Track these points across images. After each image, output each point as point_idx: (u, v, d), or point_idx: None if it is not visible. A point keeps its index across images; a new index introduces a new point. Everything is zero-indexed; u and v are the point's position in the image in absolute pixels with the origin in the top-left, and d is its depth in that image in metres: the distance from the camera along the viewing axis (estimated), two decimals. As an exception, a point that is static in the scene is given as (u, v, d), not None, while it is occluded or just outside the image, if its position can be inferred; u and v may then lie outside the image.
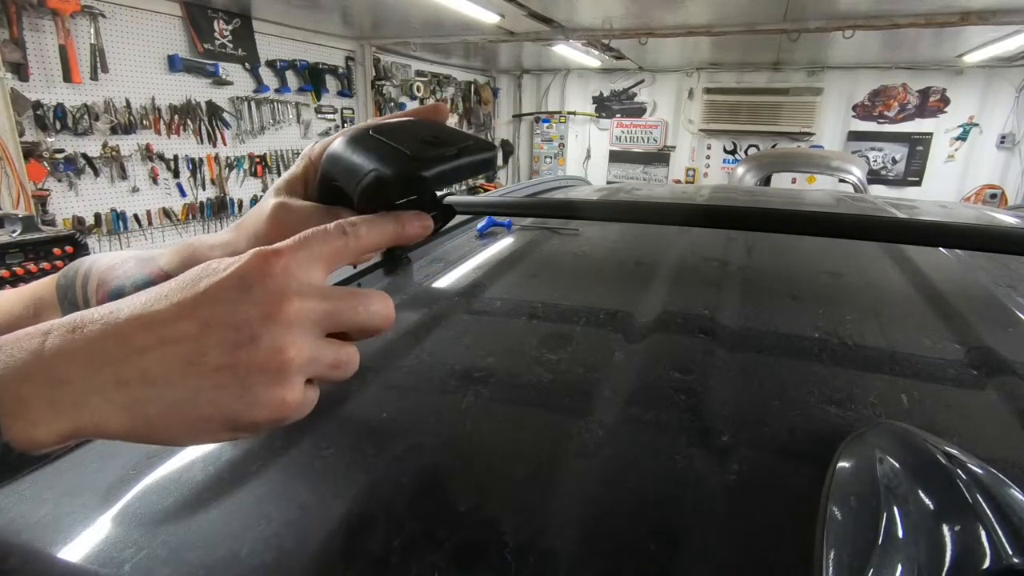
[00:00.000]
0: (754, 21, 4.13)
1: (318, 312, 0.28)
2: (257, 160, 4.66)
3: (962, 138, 6.26)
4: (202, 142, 4.23)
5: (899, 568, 0.29)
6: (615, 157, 7.67)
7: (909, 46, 5.12)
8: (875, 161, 6.50)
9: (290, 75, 4.90)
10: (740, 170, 4.15)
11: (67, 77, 3.32)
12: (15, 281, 2.60)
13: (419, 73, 6.59)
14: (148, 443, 0.27)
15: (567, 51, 5.60)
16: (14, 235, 2.65)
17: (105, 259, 0.45)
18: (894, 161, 6.52)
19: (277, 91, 4.77)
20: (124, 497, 0.45)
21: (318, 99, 5.18)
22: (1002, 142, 6.11)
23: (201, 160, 4.23)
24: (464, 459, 0.50)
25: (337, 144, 0.35)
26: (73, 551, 0.40)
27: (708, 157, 7.22)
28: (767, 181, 4.17)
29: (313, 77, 5.10)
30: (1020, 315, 0.81)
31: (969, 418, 0.57)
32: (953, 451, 0.36)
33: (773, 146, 6.62)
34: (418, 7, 3.98)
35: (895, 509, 0.32)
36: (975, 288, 0.95)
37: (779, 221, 0.64)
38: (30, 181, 3.13)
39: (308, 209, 0.37)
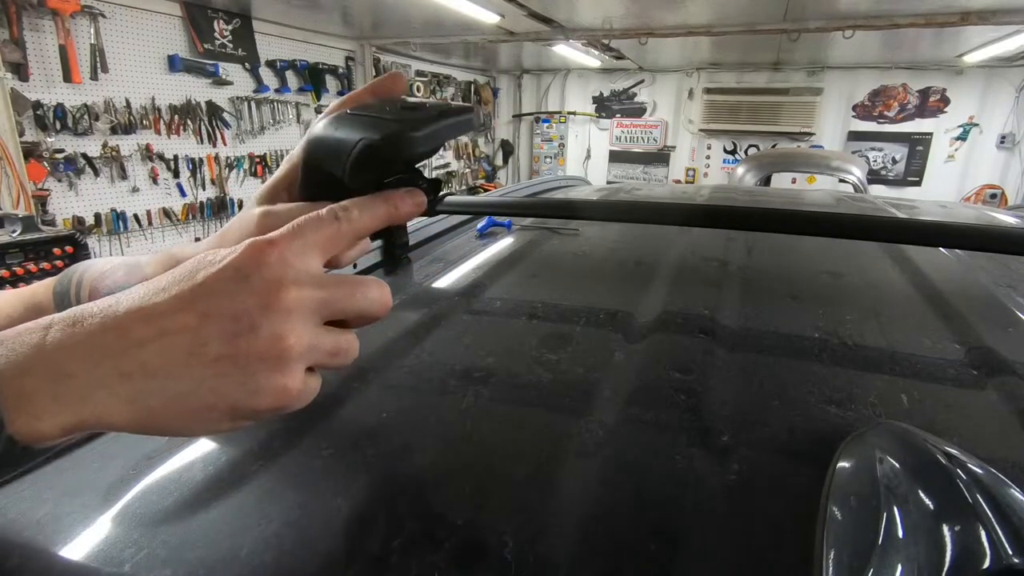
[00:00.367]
0: (754, 21, 4.13)
1: (315, 300, 0.28)
2: (257, 160, 4.67)
3: (962, 138, 6.26)
4: (202, 142, 4.23)
5: (899, 568, 0.29)
6: (615, 157, 7.67)
7: (909, 46, 5.13)
8: (875, 161, 6.51)
9: (290, 75, 4.90)
10: (740, 170, 4.15)
11: (67, 77, 3.32)
12: (15, 281, 2.60)
13: (419, 73, 6.60)
14: (152, 434, 0.27)
15: (567, 51, 5.60)
16: (14, 235, 2.66)
17: (97, 266, 0.45)
18: (894, 161, 6.52)
19: (277, 91, 4.77)
20: (124, 497, 0.45)
21: (318, 99, 5.18)
22: (1002, 142, 6.11)
23: (201, 160, 4.23)
24: (464, 459, 0.50)
25: (318, 128, 0.35)
26: (73, 551, 0.40)
27: (708, 157, 7.22)
28: (767, 181, 4.17)
29: (313, 77, 5.11)
30: (1020, 315, 0.81)
31: (969, 418, 0.57)
32: (953, 451, 0.36)
33: (773, 146, 6.62)
34: (418, 7, 3.98)
35: (895, 509, 0.32)
36: (975, 288, 0.95)
37: (779, 221, 0.64)
38: (30, 181, 3.13)
39: (294, 211, 0.37)
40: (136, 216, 3.86)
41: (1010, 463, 0.48)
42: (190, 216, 4.20)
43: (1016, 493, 0.31)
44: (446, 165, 7.44)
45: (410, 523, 0.42)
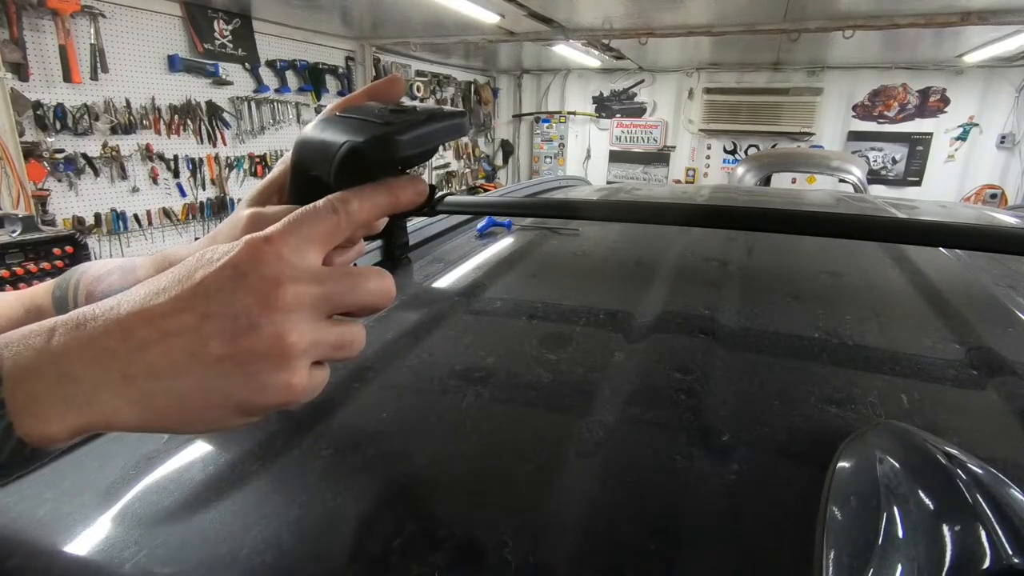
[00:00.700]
0: (754, 21, 4.14)
1: (315, 296, 0.27)
2: (257, 160, 4.67)
3: (962, 138, 6.26)
4: (202, 142, 4.24)
5: (899, 568, 0.29)
6: (615, 157, 7.67)
7: (909, 46, 5.13)
8: (875, 161, 6.51)
9: (290, 75, 4.90)
10: (740, 170, 4.15)
11: (67, 77, 3.32)
12: (15, 281, 2.60)
13: (419, 73, 6.60)
14: (161, 433, 0.27)
15: (567, 51, 5.60)
16: (14, 235, 2.66)
17: (92, 270, 0.45)
18: (894, 161, 6.52)
19: (277, 91, 4.77)
20: (124, 497, 0.45)
21: (318, 99, 5.18)
22: (1002, 142, 6.11)
23: (201, 160, 4.24)
24: (464, 459, 0.50)
25: (306, 130, 0.34)
26: (74, 550, 0.40)
27: (708, 157, 7.22)
28: (767, 181, 4.17)
29: (313, 77, 5.11)
30: (1020, 315, 0.81)
31: (969, 418, 0.57)
32: (953, 451, 0.36)
33: (773, 146, 6.62)
34: (418, 7, 3.99)
35: (895, 509, 0.32)
36: (975, 288, 0.95)
37: (779, 221, 0.64)
38: (30, 181, 3.13)
39: (282, 213, 0.36)
40: (136, 216, 3.86)
41: (1010, 463, 0.48)
42: (190, 216, 4.21)
43: (1016, 493, 0.31)
44: (446, 165, 7.44)
45: (410, 523, 0.42)
